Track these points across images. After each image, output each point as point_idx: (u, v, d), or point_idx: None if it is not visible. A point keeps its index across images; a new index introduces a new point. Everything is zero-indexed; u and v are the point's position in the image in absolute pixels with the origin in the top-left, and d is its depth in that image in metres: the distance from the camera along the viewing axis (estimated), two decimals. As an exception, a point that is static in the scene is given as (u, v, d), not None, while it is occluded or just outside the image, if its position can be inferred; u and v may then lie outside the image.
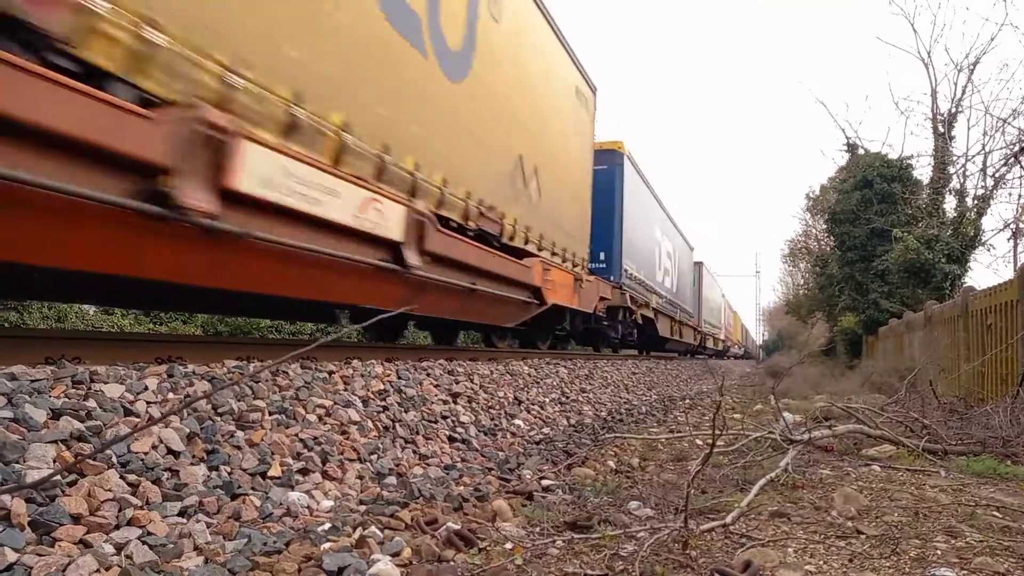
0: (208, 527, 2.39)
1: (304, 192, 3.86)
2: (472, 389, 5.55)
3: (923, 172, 17.19)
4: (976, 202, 15.82)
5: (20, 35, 2.54)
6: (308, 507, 2.86)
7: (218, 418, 3.04)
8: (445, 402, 4.94)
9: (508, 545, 2.53)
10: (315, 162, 4.01)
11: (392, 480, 3.49)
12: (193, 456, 2.72)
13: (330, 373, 4.14)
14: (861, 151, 18.96)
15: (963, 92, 16.82)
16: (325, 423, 3.60)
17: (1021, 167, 15.19)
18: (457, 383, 5.42)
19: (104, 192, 2.81)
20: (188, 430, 2.78)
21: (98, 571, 1.93)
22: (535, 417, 6.09)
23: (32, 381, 2.55)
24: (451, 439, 4.47)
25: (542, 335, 11.15)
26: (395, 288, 5.15)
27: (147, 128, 2.94)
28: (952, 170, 16.77)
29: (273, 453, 3.05)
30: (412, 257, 5.09)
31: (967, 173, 16.60)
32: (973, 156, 16.48)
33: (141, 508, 2.31)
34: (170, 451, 2.66)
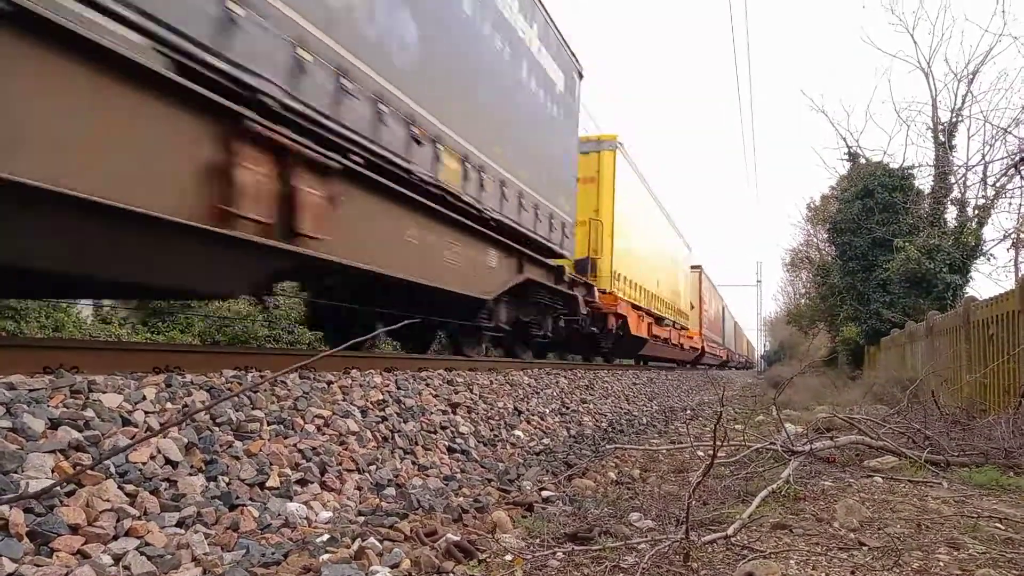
0: (206, 538, 2.38)
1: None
2: (472, 399, 5.53)
3: (924, 182, 17.23)
4: (977, 212, 15.84)
5: None
6: (307, 518, 2.85)
7: (216, 428, 3.03)
8: (444, 412, 4.92)
9: (508, 557, 2.51)
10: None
11: (391, 491, 3.48)
12: (191, 466, 2.71)
13: (329, 383, 4.13)
14: (862, 160, 19.01)
15: (963, 102, 16.90)
16: (324, 433, 3.59)
17: (1021, 177, 15.21)
18: (456, 393, 5.41)
19: None
20: (186, 440, 2.78)
21: (95, 582, 1.91)
22: (535, 428, 6.07)
23: (30, 391, 2.55)
24: (450, 450, 4.46)
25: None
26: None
27: None
28: (953, 180, 16.80)
29: (271, 463, 3.04)
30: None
31: (968, 183, 16.63)
32: (974, 166, 16.51)
33: (139, 519, 2.30)
34: (168, 461, 2.65)
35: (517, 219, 7.46)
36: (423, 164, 5.29)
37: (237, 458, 2.93)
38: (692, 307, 25.20)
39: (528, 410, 6.34)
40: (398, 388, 4.71)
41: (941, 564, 2.41)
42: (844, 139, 20.10)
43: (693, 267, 26.47)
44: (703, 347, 27.39)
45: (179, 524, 2.39)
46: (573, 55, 9.75)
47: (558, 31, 8.99)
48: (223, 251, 3.62)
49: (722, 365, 38.36)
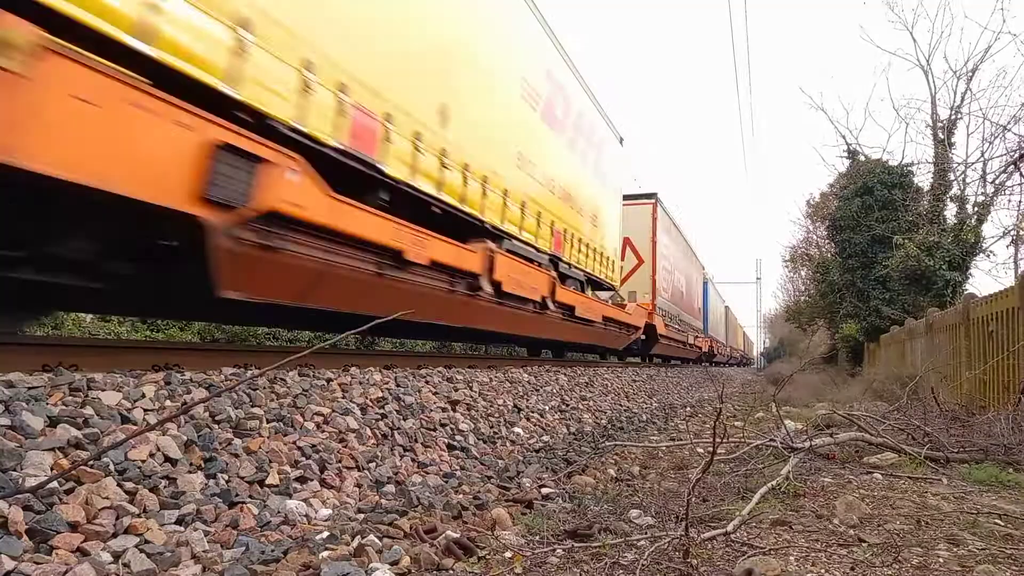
0: (206, 535, 2.37)
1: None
2: (471, 397, 5.53)
3: (923, 179, 17.23)
4: (976, 209, 15.83)
5: None
6: (306, 515, 2.85)
7: (216, 426, 3.03)
8: (444, 410, 4.92)
9: (507, 554, 2.51)
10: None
11: (391, 488, 3.48)
12: (191, 464, 2.71)
13: (328, 380, 4.13)
14: (861, 158, 19.00)
15: (962, 99, 16.89)
16: (323, 431, 3.59)
17: (1020, 174, 15.23)
18: (456, 391, 5.41)
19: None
20: (185, 438, 2.77)
21: (94, 580, 1.91)
22: (535, 425, 6.07)
23: (29, 388, 2.55)
24: (450, 447, 4.45)
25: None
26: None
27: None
28: (952, 177, 16.80)
29: (271, 461, 3.04)
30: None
31: (967, 180, 16.64)
32: (973, 163, 16.51)
33: (139, 516, 2.30)
34: (167, 459, 2.65)
35: None
36: None
37: (236, 455, 2.93)
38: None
39: (528, 407, 6.34)
40: (397, 385, 4.71)
41: (941, 560, 2.41)
42: (843, 137, 20.09)
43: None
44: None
45: (179, 522, 2.39)
46: None
47: None
48: None
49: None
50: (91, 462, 2.31)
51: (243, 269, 3.87)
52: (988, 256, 15.36)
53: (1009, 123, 15.33)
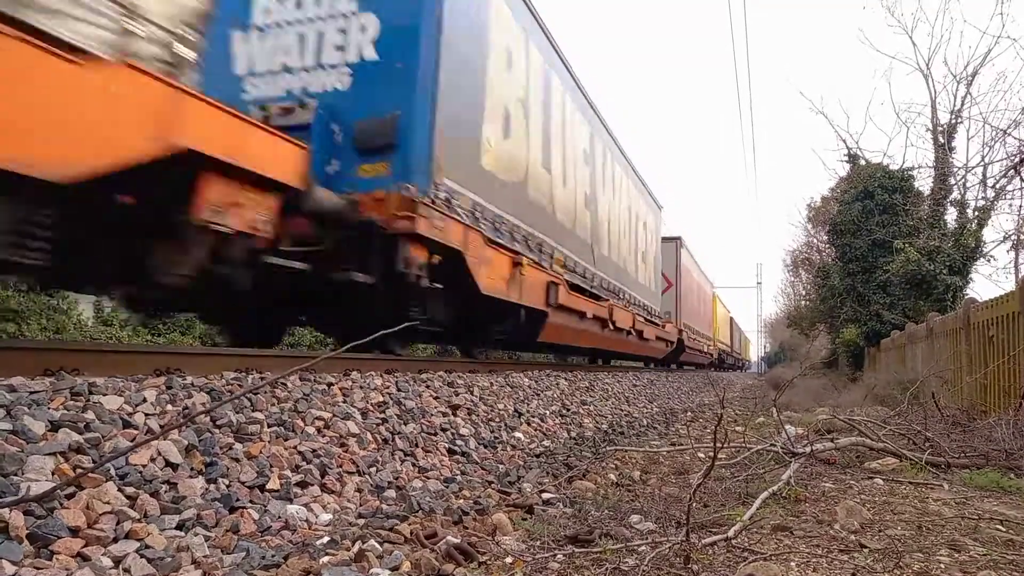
0: (206, 541, 2.37)
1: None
2: (472, 401, 5.53)
3: (924, 183, 17.25)
4: (977, 213, 15.84)
5: None
6: (307, 520, 2.85)
7: (216, 430, 3.03)
8: (445, 414, 4.92)
9: (508, 559, 2.51)
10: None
11: (391, 493, 3.48)
12: (191, 469, 2.71)
13: (329, 385, 4.13)
14: (862, 162, 19.02)
15: (962, 103, 16.92)
16: (324, 435, 3.59)
17: (1021, 178, 15.24)
18: (457, 395, 5.41)
19: None
20: (186, 442, 2.78)
21: (95, 585, 1.91)
22: (535, 430, 6.06)
23: (31, 393, 2.55)
24: (451, 452, 4.45)
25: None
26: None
27: None
28: (953, 181, 16.81)
29: (272, 466, 3.04)
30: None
31: (967, 184, 16.66)
32: (973, 167, 16.54)
33: (139, 521, 2.30)
34: (168, 463, 2.65)
35: None
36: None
37: (237, 460, 2.93)
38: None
39: (528, 412, 6.34)
40: (398, 390, 4.71)
41: (942, 566, 2.41)
42: (844, 141, 20.11)
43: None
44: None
45: (179, 526, 2.39)
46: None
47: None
48: None
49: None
50: (95, 468, 2.31)
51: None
52: (989, 260, 15.39)
53: (1009, 127, 15.38)
